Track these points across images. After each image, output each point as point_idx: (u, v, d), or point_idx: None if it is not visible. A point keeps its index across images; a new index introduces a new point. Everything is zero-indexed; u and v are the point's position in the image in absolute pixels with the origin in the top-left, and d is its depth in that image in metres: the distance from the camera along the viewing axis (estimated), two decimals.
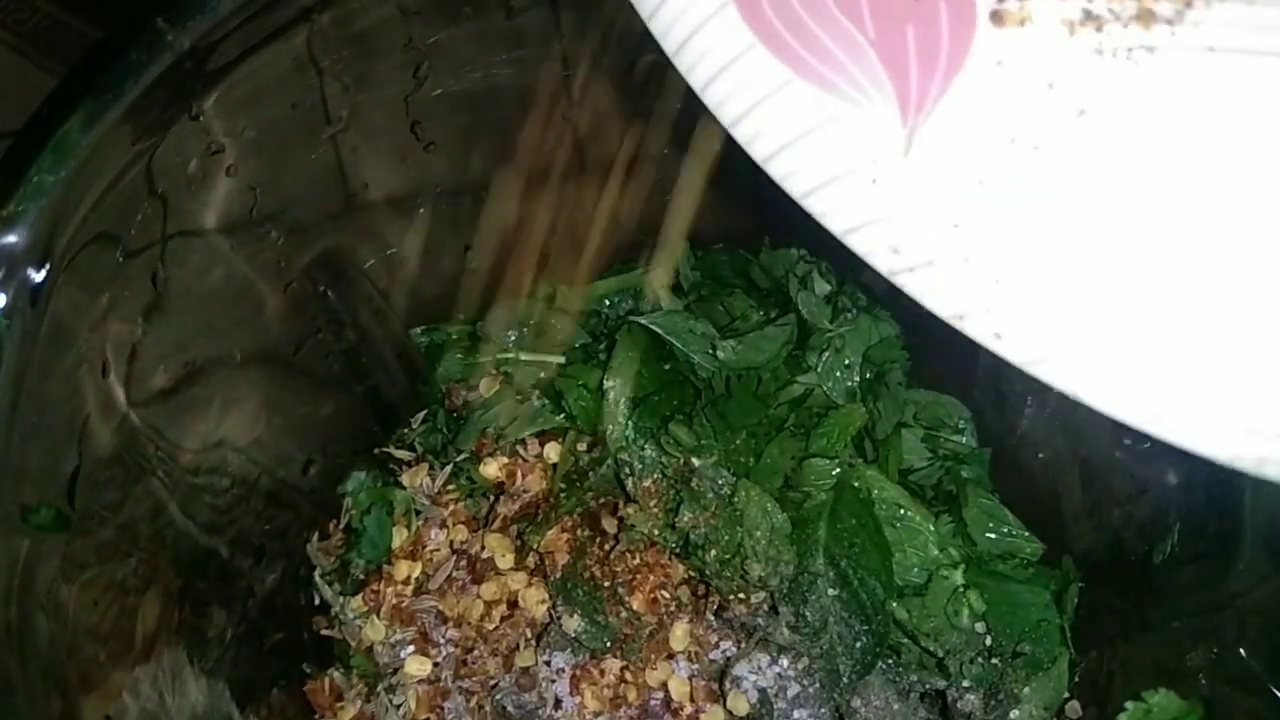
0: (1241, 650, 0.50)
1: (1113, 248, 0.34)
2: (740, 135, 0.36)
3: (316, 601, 0.68)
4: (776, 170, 0.36)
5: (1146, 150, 0.33)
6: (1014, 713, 0.58)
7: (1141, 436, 0.54)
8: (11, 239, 0.41)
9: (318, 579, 0.68)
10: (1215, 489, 0.52)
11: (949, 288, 0.34)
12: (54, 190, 0.42)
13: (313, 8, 0.49)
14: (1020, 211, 0.34)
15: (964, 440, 0.69)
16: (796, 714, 0.60)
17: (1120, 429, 0.56)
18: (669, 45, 0.37)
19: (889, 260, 0.35)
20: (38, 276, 0.41)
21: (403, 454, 0.70)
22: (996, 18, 0.34)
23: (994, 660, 0.60)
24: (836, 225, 0.35)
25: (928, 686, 0.61)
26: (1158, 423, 0.33)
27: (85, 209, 0.43)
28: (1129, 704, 0.50)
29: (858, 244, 0.35)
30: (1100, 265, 0.34)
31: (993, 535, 0.64)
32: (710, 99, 0.37)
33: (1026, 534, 0.64)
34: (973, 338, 0.34)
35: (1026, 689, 0.58)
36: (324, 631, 0.67)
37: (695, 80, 0.37)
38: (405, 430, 0.72)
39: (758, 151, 0.36)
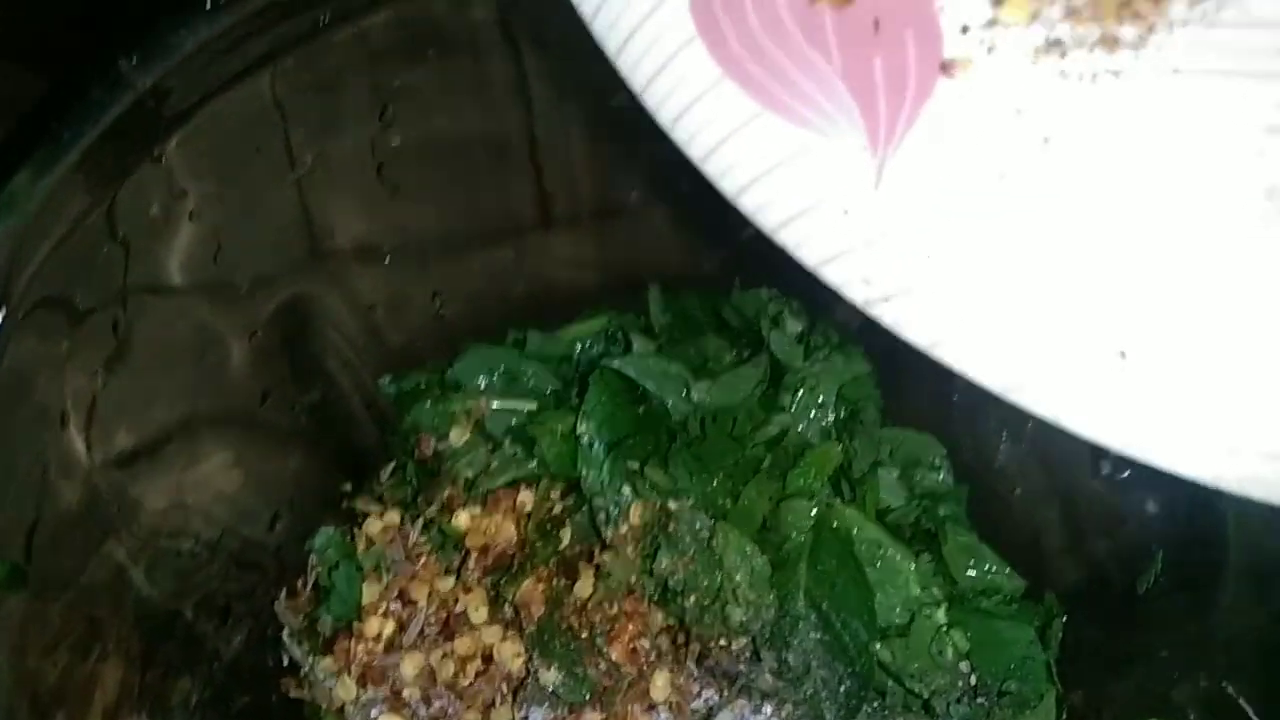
0: (1225, 684, 0.49)
1: (1086, 272, 0.34)
2: (710, 170, 0.36)
3: (285, 662, 0.66)
4: (747, 204, 0.36)
5: (1115, 173, 0.34)
6: None
7: (1120, 466, 0.55)
8: None
9: (286, 638, 0.66)
10: (1197, 516, 0.51)
11: (923, 316, 0.34)
12: (9, 235, 0.41)
13: (278, 49, 0.48)
14: (992, 238, 0.34)
15: (940, 478, 0.68)
16: None
17: (1098, 459, 0.57)
18: (635, 82, 0.37)
19: (862, 291, 0.35)
20: None
21: (372, 507, 0.69)
22: (961, 48, 0.35)
23: (980, 700, 0.59)
24: (809, 258, 0.35)
25: None
26: (1139, 446, 0.33)
27: (43, 254, 0.42)
28: None
29: (831, 275, 0.35)
30: (1074, 290, 0.34)
31: (973, 573, 0.64)
32: (679, 135, 0.37)
33: (1008, 570, 0.63)
34: (949, 365, 0.34)
35: None
36: (293, 694, 0.65)
37: (663, 116, 0.37)
38: (374, 483, 0.71)
39: (728, 186, 0.36)
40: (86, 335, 0.47)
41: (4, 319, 0.41)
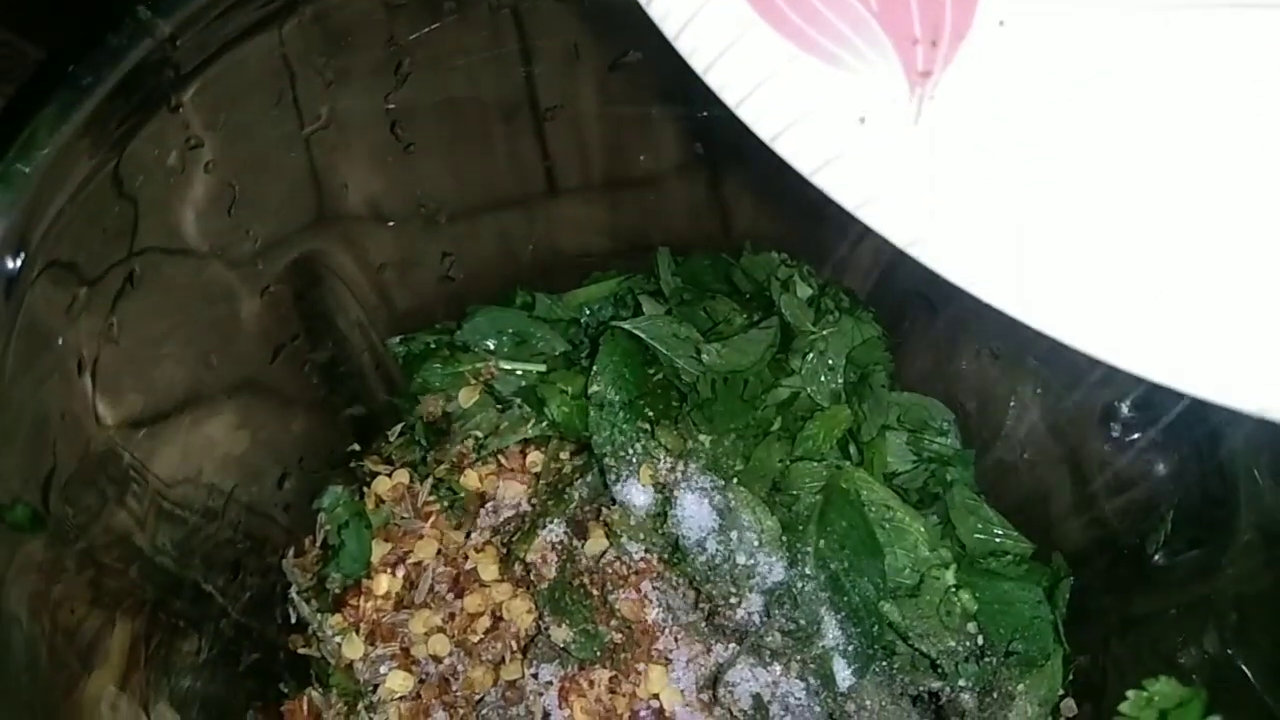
0: (1230, 651, 0.50)
1: (1132, 205, 0.34)
2: (746, 115, 0.36)
3: (293, 620, 0.66)
4: (784, 148, 0.36)
5: (1151, 108, 0.33)
6: (1009, 711, 0.58)
7: (1129, 428, 0.55)
8: None
9: (294, 596, 0.66)
10: (1207, 479, 0.52)
11: (965, 257, 0.34)
12: (29, 179, 0.40)
13: (297, 1, 0.48)
14: (1033, 174, 0.34)
15: (948, 442, 0.68)
16: (790, 718, 0.59)
17: (1108, 421, 0.57)
18: (669, 28, 0.37)
19: (901, 232, 0.35)
20: (13, 265, 0.40)
21: (380, 467, 0.69)
22: None
23: (987, 659, 0.59)
24: (848, 200, 0.35)
25: (922, 688, 0.60)
26: (1186, 379, 0.33)
27: (61, 200, 0.42)
28: (1130, 693, 0.50)
29: (870, 217, 0.35)
30: (1121, 224, 0.34)
31: (980, 535, 0.64)
32: (714, 81, 0.36)
33: (1015, 534, 0.64)
34: (989, 302, 0.34)
35: (1021, 686, 0.58)
36: (301, 650, 0.65)
37: (698, 63, 0.37)
38: (383, 443, 0.71)
39: (764, 130, 0.36)
40: (102, 285, 0.47)
41: (21, 265, 0.40)
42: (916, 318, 0.69)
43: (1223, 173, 0.33)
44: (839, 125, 0.34)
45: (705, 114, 0.66)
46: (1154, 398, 0.55)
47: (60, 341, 0.45)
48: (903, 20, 0.34)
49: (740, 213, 0.73)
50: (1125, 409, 0.58)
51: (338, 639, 0.64)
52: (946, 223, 0.33)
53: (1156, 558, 0.54)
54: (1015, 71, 0.33)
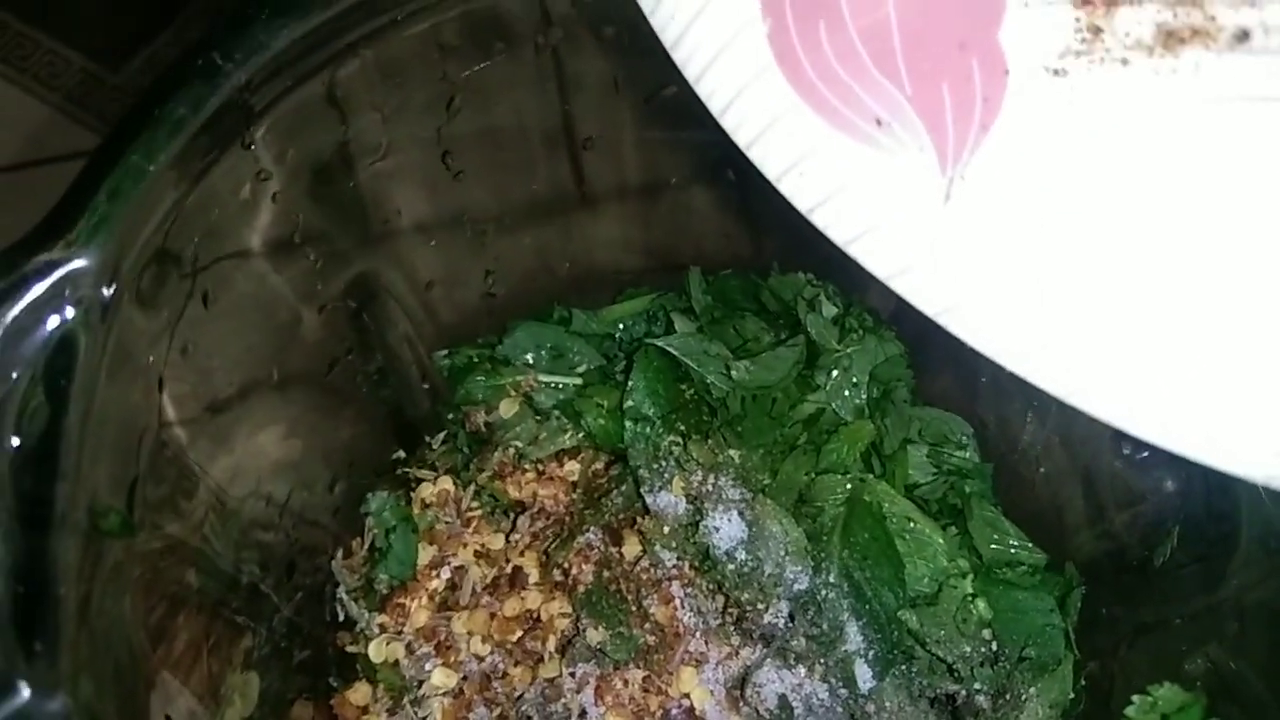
0: (1230, 659, 0.52)
1: (1152, 281, 0.36)
2: (785, 189, 0.39)
3: (341, 618, 0.70)
4: (820, 220, 0.38)
5: (1173, 192, 0.36)
6: (1021, 713, 0.61)
7: (1141, 447, 0.57)
8: (81, 262, 0.43)
9: (343, 595, 0.70)
10: (1213, 494, 0.54)
11: (992, 326, 0.37)
12: (120, 214, 0.44)
13: (356, 43, 0.52)
14: (1062, 249, 0.36)
15: (967, 455, 0.71)
16: (813, 718, 0.62)
17: (1119, 440, 0.60)
18: (715, 106, 0.40)
19: (931, 302, 0.37)
20: (106, 294, 0.43)
21: (425, 474, 0.72)
22: (1026, 75, 0.36)
23: (1001, 664, 0.62)
24: (879, 271, 0.38)
25: (939, 690, 0.63)
26: (1202, 451, 0.35)
27: (148, 232, 0.46)
28: (1135, 698, 0.52)
29: (901, 288, 0.37)
30: (1141, 299, 0.36)
31: (997, 546, 0.67)
32: (755, 156, 0.39)
33: (1029, 546, 0.66)
34: (1016, 372, 0.36)
35: (1033, 689, 0.61)
36: (349, 648, 0.69)
37: (741, 139, 0.40)
38: (426, 451, 0.74)
39: (801, 203, 0.39)
40: (179, 305, 0.50)
41: (114, 292, 0.44)
42: (937, 336, 0.72)
43: (1246, 255, 0.35)
44: (873, 201, 0.37)
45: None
46: None
47: (143, 359, 0.48)
48: (935, 104, 0.36)
49: (769, 235, 0.76)
50: None
51: (384, 637, 0.67)
52: (974, 295, 0.36)
53: (1163, 569, 0.57)
54: (1042, 154, 0.36)
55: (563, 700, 0.63)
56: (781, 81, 0.37)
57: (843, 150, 0.37)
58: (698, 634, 0.63)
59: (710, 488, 0.63)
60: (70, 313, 0.42)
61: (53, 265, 0.42)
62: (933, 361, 0.73)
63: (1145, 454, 0.59)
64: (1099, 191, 0.36)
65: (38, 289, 0.42)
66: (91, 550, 0.44)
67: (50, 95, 1.09)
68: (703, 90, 0.39)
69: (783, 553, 0.62)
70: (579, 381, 0.72)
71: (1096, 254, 0.36)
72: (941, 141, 0.36)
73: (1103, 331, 0.36)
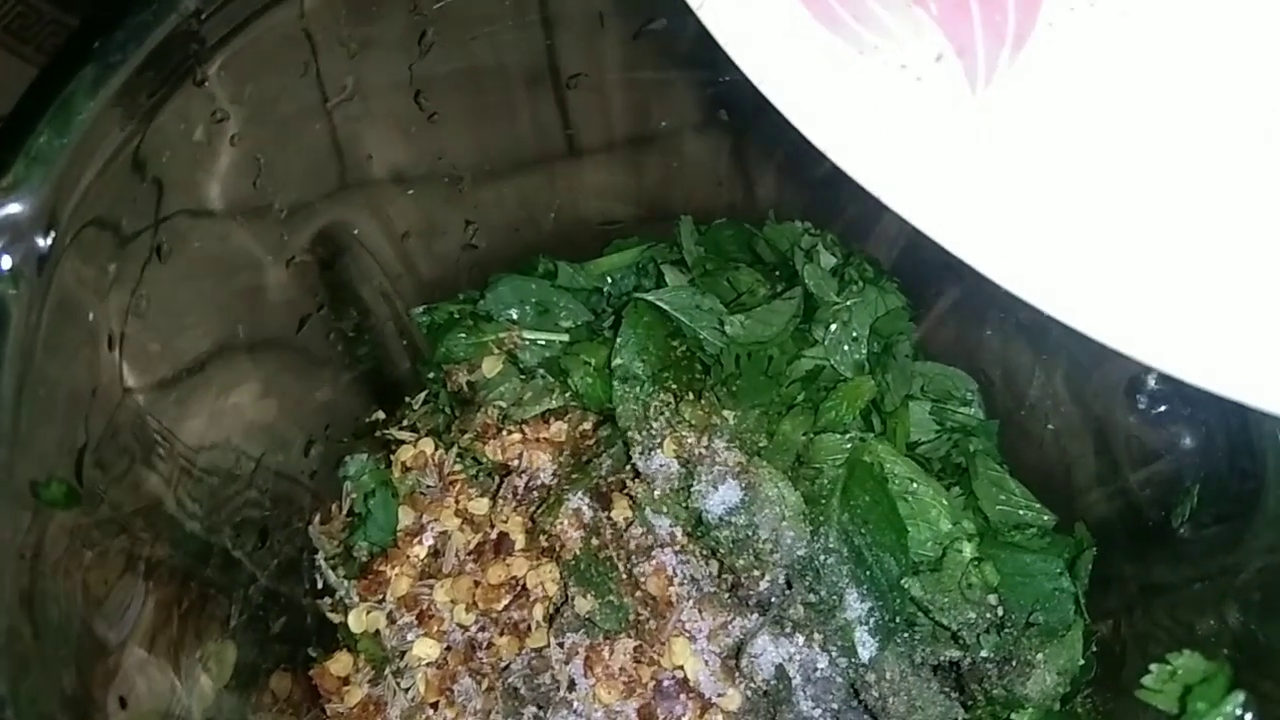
0: (1253, 625, 0.50)
1: (1180, 208, 0.33)
2: (800, 122, 0.35)
3: (320, 585, 0.67)
4: (842, 156, 0.35)
5: (1222, 114, 0.33)
6: (1028, 679, 0.58)
7: (1157, 401, 0.55)
8: (15, 207, 0.39)
9: (321, 563, 0.67)
10: (1236, 452, 0.51)
11: (1020, 257, 0.34)
12: (58, 156, 0.40)
13: None
14: (1092, 177, 0.33)
15: (972, 412, 0.68)
16: (811, 689, 0.59)
17: (1134, 394, 0.57)
18: (721, 35, 0.37)
19: (959, 235, 0.34)
20: (43, 243, 0.40)
21: (405, 435, 0.69)
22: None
23: (1008, 630, 0.60)
24: (902, 205, 0.34)
25: (942, 658, 0.61)
26: (1237, 387, 0.32)
27: (90, 176, 0.42)
28: (1154, 667, 0.50)
29: (925, 222, 0.34)
30: (1171, 226, 0.33)
31: (1004, 507, 0.64)
32: (768, 88, 0.36)
33: (1037, 506, 0.64)
34: (1040, 307, 0.33)
35: (1040, 655, 0.58)
36: (329, 615, 0.66)
37: (756, 76, 0.36)
38: (407, 412, 0.71)
39: (820, 138, 0.35)
40: (131, 259, 0.47)
41: (53, 242, 0.41)
42: (941, 287, 0.69)
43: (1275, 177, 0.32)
44: (896, 130, 0.33)
45: (729, 79, 0.66)
46: None
47: (90, 316, 0.45)
48: (964, 26, 0.33)
49: (764, 181, 0.72)
50: (1152, 381, 0.57)
51: (364, 606, 0.64)
52: (1005, 224, 0.33)
53: (1182, 530, 0.54)
54: (1075, 76, 0.33)
55: (551, 671, 0.60)
56: (804, 13, 0.34)
57: (869, 76, 0.34)
58: (691, 603, 0.60)
59: (703, 450, 0.60)
60: (4, 263, 0.39)
61: None
62: (936, 314, 0.70)
63: (1162, 408, 0.56)
64: (1129, 117, 0.32)
65: None
66: (36, 528, 0.41)
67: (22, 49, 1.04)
68: (707, 16, 0.35)
69: (780, 517, 0.60)
70: (565, 338, 0.69)
71: (1125, 181, 0.33)
72: (971, 64, 0.33)
73: (1120, 255, 0.33)
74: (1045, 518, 0.63)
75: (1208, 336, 0.32)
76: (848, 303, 0.67)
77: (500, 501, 0.65)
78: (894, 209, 0.34)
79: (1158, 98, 0.32)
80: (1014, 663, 0.59)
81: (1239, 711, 0.45)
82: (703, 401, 0.63)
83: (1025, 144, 0.33)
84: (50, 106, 0.40)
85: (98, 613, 0.47)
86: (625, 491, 0.62)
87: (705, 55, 0.63)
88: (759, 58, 0.35)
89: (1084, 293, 0.33)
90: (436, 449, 0.68)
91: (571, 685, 0.60)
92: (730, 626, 0.60)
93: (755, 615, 0.60)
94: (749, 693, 0.59)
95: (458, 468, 0.67)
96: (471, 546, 0.64)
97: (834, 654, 0.59)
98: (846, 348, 0.66)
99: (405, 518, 0.66)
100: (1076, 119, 0.33)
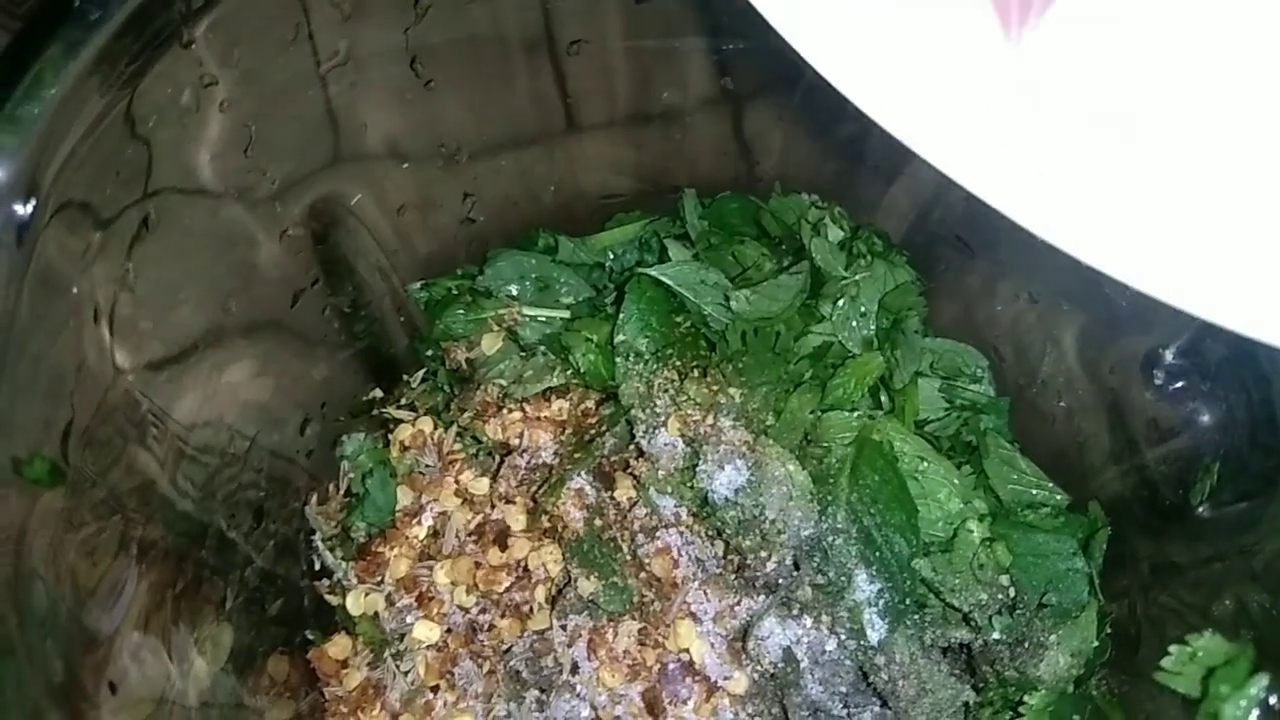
0: (1274, 608, 0.48)
1: (1240, 155, 0.32)
2: (827, 69, 0.34)
3: (317, 567, 0.66)
4: (872, 104, 0.33)
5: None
6: (1040, 661, 0.57)
7: (1174, 376, 0.53)
8: None
9: (318, 544, 0.65)
10: (1258, 428, 0.50)
11: (1057, 207, 0.32)
12: (37, 120, 0.39)
13: None
14: (1142, 119, 0.32)
15: (982, 389, 0.67)
16: (820, 672, 0.58)
17: (1150, 369, 0.55)
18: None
19: (995, 190, 0.33)
20: (23, 211, 0.38)
21: (403, 414, 0.68)
22: None
23: (1020, 611, 0.58)
24: (935, 154, 0.33)
25: (953, 640, 0.59)
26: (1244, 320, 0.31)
27: (72, 142, 0.40)
28: (1173, 648, 0.48)
29: (959, 172, 0.33)
30: (1229, 178, 0.32)
31: (1016, 487, 0.63)
32: (792, 35, 0.34)
33: (1050, 485, 0.62)
34: (1090, 264, 0.32)
35: (1053, 637, 0.57)
36: (326, 597, 0.65)
37: (783, 25, 0.34)
38: (405, 390, 0.70)
39: (848, 86, 0.34)
40: (117, 231, 0.45)
41: (34, 210, 0.39)
42: (951, 262, 0.68)
43: None
44: (929, 76, 0.32)
45: (733, 46, 0.64)
46: (1201, 344, 0.54)
47: (75, 289, 0.43)
48: None
49: (769, 152, 0.71)
50: (1170, 355, 0.56)
51: (363, 587, 0.63)
52: (1041, 174, 0.31)
53: (1201, 509, 0.53)
54: (1113, 17, 0.31)
55: (553, 654, 0.59)
56: None
57: (899, 22, 0.32)
58: (696, 584, 0.59)
59: (709, 428, 0.59)
60: None
61: None
62: (946, 289, 0.68)
63: (1180, 384, 0.55)
64: (1170, 59, 0.31)
65: None
66: (19, 509, 0.40)
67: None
68: None
69: (787, 497, 0.58)
70: (566, 314, 0.67)
71: (1168, 124, 0.31)
72: (1004, 6, 0.31)
73: (1179, 210, 0.31)
74: (1058, 497, 0.62)
75: (1258, 286, 0.31)
76: (856, 277, 0.65)
77: (500, 481, 0.64)
78: (920, 154, 0.32)
79: (1201, 37, 0.31)
80: (1026, 644, 0.58)
81: (1263, 695, 0.44)
82: (708, 379, 0.61)
83: (1062, 88, 0.31)
84: (27, 70, 0.38)
85: (89, 598, 0.46)
86: (629, 471, 0.60)
87: (709, 22, 0.62)
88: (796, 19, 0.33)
89: (1125, 241, 0.31)
90: (435, 428, 0.67)
91: (575, 668, 0.58)
92: (737, 608, 0.59)
93: (762, 597, 0.59)
94: (756, 675, 0.58)
95: (457, 447, 0.66)
96: (472, 527, 0.63)
97: (843, 636, 0.58)
98: (855, 323, 0.65)
99: (404, 498, 0.65)
100: (1115, 61, 0.31)
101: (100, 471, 0.48)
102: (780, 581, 0.58)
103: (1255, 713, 0.44)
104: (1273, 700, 0.44)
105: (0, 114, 0.38)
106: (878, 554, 0.58)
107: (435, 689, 0.61)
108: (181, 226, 0.50)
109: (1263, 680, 0.44)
